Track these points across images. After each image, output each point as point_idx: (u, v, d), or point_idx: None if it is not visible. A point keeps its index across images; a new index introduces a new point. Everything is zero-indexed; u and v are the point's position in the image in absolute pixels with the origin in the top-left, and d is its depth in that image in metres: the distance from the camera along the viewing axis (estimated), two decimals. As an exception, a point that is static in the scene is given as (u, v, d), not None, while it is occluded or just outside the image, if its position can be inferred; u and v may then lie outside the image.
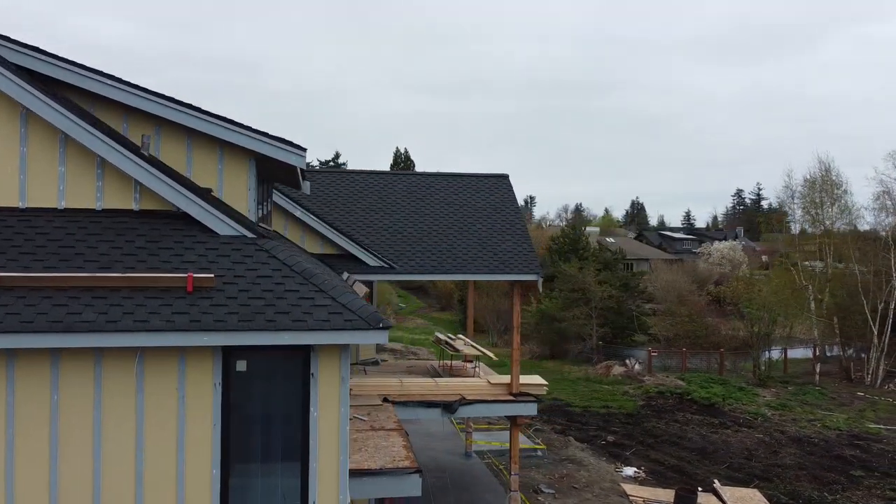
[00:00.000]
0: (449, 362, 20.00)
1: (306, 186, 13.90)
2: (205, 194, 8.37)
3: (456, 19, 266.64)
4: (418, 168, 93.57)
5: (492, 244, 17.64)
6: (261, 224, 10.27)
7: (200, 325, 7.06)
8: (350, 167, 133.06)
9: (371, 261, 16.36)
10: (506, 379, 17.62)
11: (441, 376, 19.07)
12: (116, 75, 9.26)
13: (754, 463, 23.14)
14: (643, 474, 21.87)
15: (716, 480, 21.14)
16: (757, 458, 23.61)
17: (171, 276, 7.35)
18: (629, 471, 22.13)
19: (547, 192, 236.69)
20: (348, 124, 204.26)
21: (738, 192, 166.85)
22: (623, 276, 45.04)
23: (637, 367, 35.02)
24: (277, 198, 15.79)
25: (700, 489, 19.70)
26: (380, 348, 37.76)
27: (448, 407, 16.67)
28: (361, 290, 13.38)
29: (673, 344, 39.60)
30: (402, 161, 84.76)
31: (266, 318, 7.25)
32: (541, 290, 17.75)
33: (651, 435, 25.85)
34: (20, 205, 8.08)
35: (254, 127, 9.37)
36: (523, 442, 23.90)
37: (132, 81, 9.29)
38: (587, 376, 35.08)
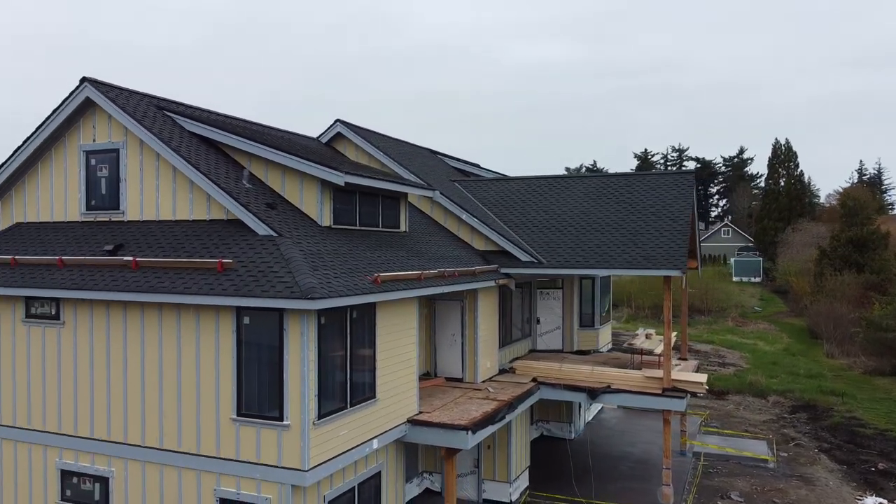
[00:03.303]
0: (638, 356, 20.56)
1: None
2: (257, 207, 12.55)
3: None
4: (802, 160, 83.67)
5: (644, 240, 18.07)
6: (335, 225, 14.04)
7: (214, 291, 11.26)
8: (757, 161, 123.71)
9: (522, 256, 18.61)
10: (661, 373, 17.83)
11: (630, 368, 19.91)
12: (252, 132, 14.17)
13: None
14: (887, 507, 18.77)
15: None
16: None
17: (211, 261, 11.73)
18: (870, 501, 19.18)
19: None
20: (767, 114, 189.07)
21: None
22: None
23: None
24: (450, 205, 19.26)
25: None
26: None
27: (591, 393, 17.83)
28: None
29: None
30: (783, 153, 77.32)
31: (248, 288, 11.07)
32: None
33: (945, 470, 21.28)
34: (147, 217, 13.47)
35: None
36: (757, 451, 22.47)
37: (291, 129, 14.07)
38: (921, 398, 29.17)
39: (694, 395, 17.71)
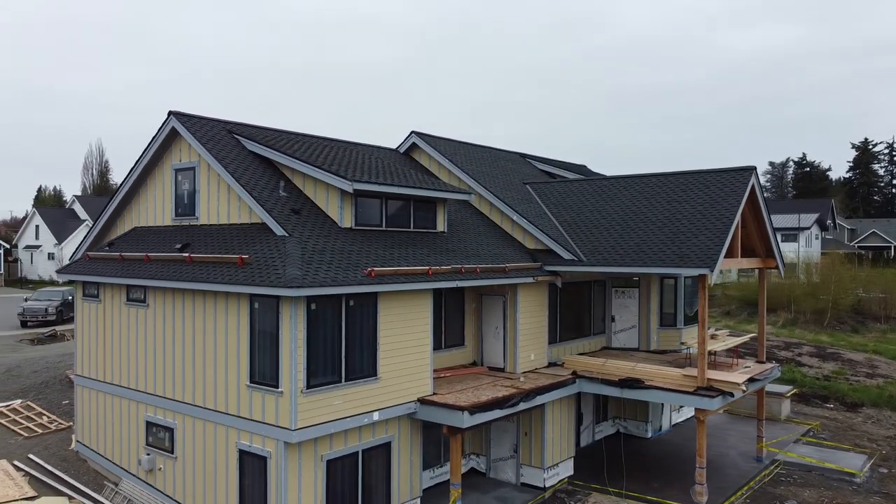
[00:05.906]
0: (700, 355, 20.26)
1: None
2: (280, 212, 15.08)
3: None
4: None
5: (682, 239, 18.03)
6: (358, 226, 16.18)
7: (231, 280, 13.96)
8: None
9: (565, 254, 19.42)
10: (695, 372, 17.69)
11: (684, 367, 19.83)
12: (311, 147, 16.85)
13: None
14: (980, 535, 16.85)
15: None
16: None
17: (231, 256, 14.46)
18: (961, 526, 17.30)
19: None
20: None
21: None
22: None
23: None
24: (503, 206, 20.63)
25: None
26: (824, 354, 34.43)
27: (622, 387, 18.19)
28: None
29: None
30: None
31: (254, 279, 13.60)
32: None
33: None
34: (212, 222, 16.48)
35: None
36: (849, 465, 20.92)
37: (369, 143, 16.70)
38: None
39: (731, 395, 17.35)
